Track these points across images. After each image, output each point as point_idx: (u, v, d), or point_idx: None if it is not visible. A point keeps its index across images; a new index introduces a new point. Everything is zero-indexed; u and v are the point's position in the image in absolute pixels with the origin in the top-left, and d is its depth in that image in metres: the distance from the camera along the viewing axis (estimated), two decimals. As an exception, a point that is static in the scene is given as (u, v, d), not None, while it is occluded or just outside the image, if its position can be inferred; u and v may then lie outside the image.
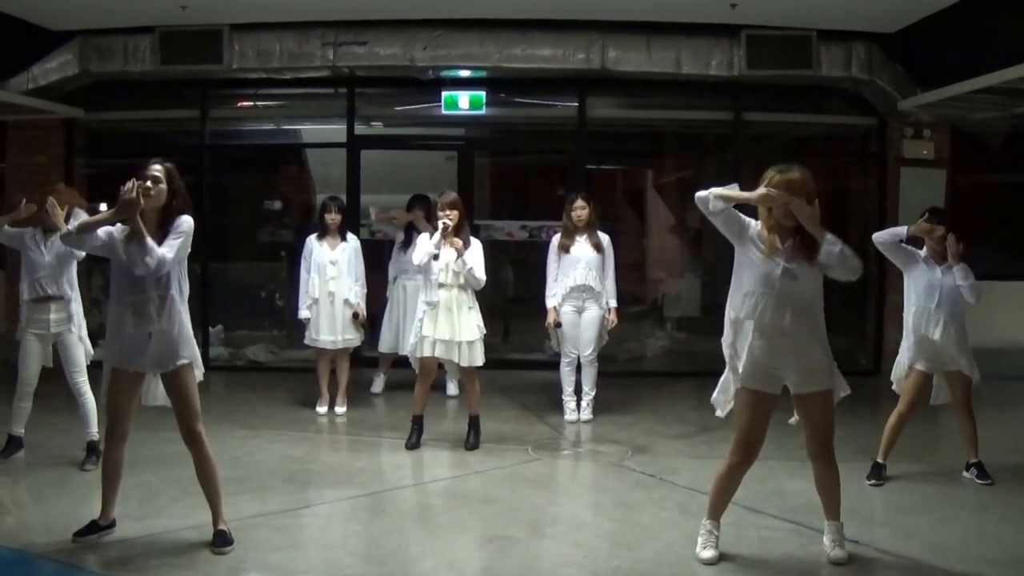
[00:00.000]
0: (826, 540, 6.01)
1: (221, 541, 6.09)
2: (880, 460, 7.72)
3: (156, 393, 6.25)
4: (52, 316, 7.93)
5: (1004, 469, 7.93)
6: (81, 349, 8.03)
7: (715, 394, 6.04)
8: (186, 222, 6.01)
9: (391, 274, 11.23)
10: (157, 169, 5.96)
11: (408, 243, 11.02)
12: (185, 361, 6.05)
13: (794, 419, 6.11)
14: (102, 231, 5.96)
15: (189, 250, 6.09)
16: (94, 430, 7.95)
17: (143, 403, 6.26)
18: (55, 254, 7.89)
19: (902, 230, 7.60)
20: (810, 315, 5.72)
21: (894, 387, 7.84)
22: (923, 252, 7.62)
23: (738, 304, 5.77)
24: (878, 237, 7.62)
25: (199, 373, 6.20)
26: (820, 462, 5.92)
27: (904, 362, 7.72)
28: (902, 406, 7.67)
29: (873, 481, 7.63)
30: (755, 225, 5.73)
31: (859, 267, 5.69)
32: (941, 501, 7.27)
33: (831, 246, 5.57)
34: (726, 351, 5.91)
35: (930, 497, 7.37)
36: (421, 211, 10.96)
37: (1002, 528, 6.66)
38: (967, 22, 10.24)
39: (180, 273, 6.06)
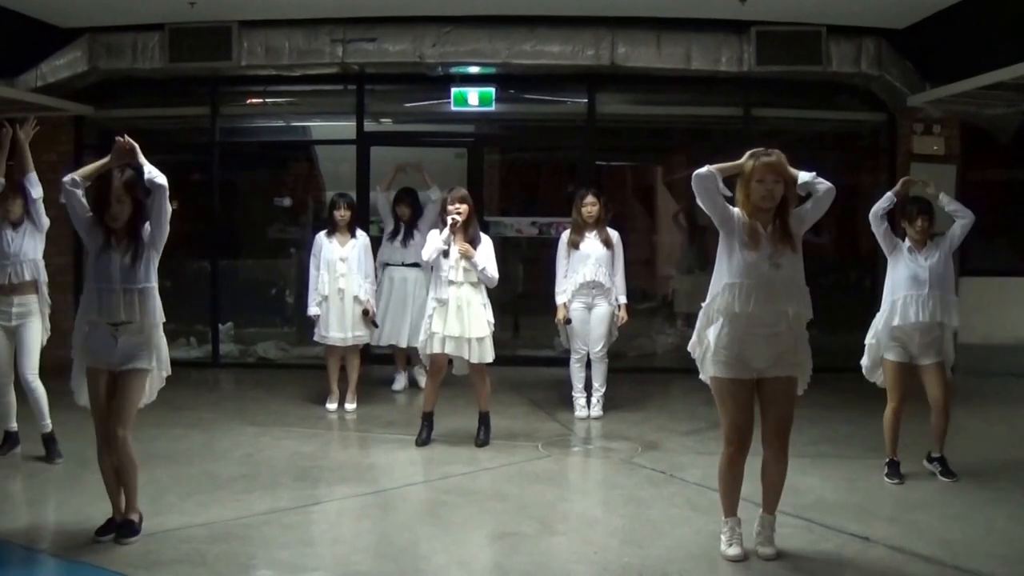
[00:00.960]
0: (756, 535, 6.04)
1: (127, 531, 6.16)
2: (895, 458, 7.69)
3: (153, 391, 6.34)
4: (15, 309, 7.94)
5: (1012, 466, 7.95)
6: (38, 345, 8.01)
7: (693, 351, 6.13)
8: None
9: (378, 261, 11.15)
10: (118, 188, 6.02)
11: (396, 232, 11.08)
12: (141, 367, 6.10)
13: None
14: (89, 221, 6.11)
15: (166, 232, 6.14)
16: (48, 421, 8.04)
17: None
18: (21, 246, 7.92)
19: (889, 194, 7.66)
20: (792, 303, 5.79)
21: (872, 379, 7.85)
22: (906, 243, 7.63)
23: (718, 294, 5.84)
24: (874, 210, 7.63)
25: (160, 375, 6.28)
26: (773, 450, 5.95)
27: (875, 354, 7.74)
28: (892, 401, 7.65)
29: (896, 480, 7.61)
30: (739, 212, 5.78)
31: (832, 187, 5.76)
32: (950, 498, 7.26)
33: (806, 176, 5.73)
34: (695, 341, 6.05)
35: (939, 494, 7.37)
36: (408, 208, 11.05)
37: (1011, 525, 6.65)
38: (977, 18, 10.20)
39: (149, 265, 6.11)
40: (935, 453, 7.75)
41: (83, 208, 6.09)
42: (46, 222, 8.00)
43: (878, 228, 7.62)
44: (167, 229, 6.13)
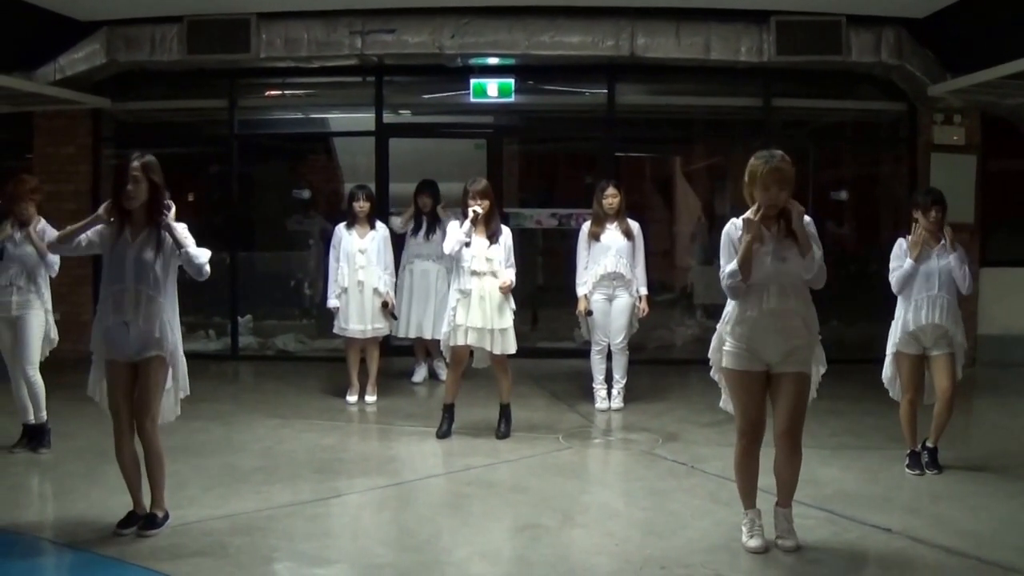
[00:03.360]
0: (775, 527, 6.03)
1: (148, 524, 6.16)
2: (916, 449, 7.65)
3: (170, 409, 6.35)
4: (15, 299, 7.96)
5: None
6: (38, 340, 8.04)
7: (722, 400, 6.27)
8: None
9: (403, 259, 11.15)
10: (135, 168, 6.00)
11: (419, 228, 11.06)
12: (155, 353, 6.09)
13: None
14: (91, 233, 6.12)
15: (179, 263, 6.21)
16: (44, 413, 8.11)
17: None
18: (24, 248, 7.96)
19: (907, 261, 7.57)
20: (798, 296, 5.84)
21: (891, 394, 7.81)
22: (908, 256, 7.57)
23: (731, 311, 5.91)
24: (896, 284, 7.61)
25: (179, 373, 6.28)
26: (783, 447, 5.95)
27: (890, 358, 7.72)
28: (908, 393, 7.61)
29: (917, 471, 7.57)
30: (736, 233, 5.82)
31: (823, 278, 5.79)
32: (972, 489, 7.23)
33: (815, 254, 5.73)
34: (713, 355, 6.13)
35: (961, 485, 7.33)
36: (429, 198, 11.04)
37: (1035, 516, 6.62)
38: (997, 7, 10.15)
39: (164, 273, 6.13)
40: (929, 443, 7.70)
41: (85, 241, 6.13)
42: (40, 248, 8.00)
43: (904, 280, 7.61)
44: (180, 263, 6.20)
